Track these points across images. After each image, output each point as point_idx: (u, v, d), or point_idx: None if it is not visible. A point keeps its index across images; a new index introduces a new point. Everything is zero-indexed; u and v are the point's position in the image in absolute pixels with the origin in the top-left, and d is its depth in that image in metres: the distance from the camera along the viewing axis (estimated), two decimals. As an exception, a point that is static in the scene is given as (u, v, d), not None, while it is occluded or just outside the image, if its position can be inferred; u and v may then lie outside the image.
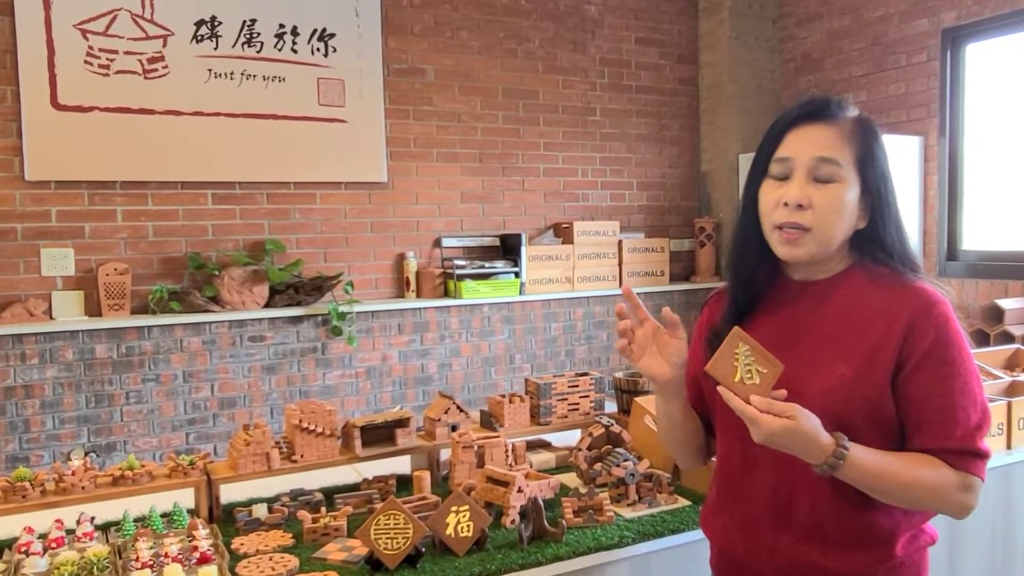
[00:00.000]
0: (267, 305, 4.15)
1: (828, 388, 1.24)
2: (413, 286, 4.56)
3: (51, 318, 3.82)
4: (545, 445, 2.42)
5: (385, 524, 1.58)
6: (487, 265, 4.65)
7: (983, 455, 1.23)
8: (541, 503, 1.75)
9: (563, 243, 4.90)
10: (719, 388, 1.21)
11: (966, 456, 1.22)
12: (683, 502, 1.93)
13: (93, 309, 3.90)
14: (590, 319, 5.02)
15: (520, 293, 4.71)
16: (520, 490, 1.82)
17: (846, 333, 1.27)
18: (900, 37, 4.63)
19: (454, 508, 1.67)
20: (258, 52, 4.23)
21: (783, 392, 1.17)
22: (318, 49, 4.36)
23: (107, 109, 3.95)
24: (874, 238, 1.30)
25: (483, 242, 4.82)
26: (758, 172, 1.33)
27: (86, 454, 3.81)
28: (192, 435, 4.01)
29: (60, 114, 3.86)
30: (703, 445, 1.49)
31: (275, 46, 4.27)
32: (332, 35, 4.38)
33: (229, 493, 1.95)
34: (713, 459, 1.50)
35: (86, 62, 3.90)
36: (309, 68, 4.35)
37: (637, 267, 5.09)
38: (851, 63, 4.92)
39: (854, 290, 1.30)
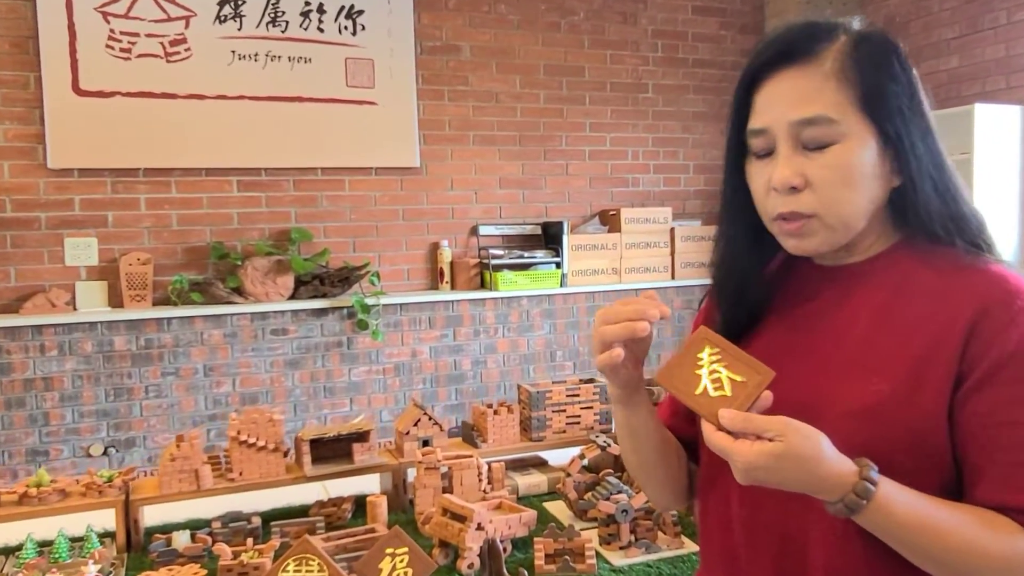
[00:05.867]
0: (292, 296, 3.98)
1: (857, 410, 0.88)
2: (447, 277, 4.31)
3: (75, 309, 3.74)
4: (542, 464, 2.13)
5: (296, 571, 1.33)
6: (526, 255, 4.36)
7: None
8: (500, 546, 1.47)
9: (609, 231, 4.57)
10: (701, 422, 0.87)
11: None
12: (691, 547, 1.61)
13: (117, 300, 3.80)
14: (639, 313, 4.67)
15: (561, 285, 4.40)
16: (480, 527, 1.54)
17: (885, 336, 0.91)
18: (999, -9, 4.09)
19: (389, 550, 1.41)
20: (283, 32, 4.04)
21: (769, 396, 0.83)
22: (346, 27, 4.14)
23: (129, 94, 3.83)
24: (909, 197, 0.93)
25: (523, 230, 4.53)
26: (735, 149, 1.00)
27: (105, 449, 3.72)
28: (213, 431, 3.87)
29: (82, 100, 3.75)
30: (681, 475, 1.11)
31: (301, 25, 4.07)
32: (360, 12, 4.15)
33: (163, 515, 1.74)
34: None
35: (107, 46, 3.78)
36: (336, 48, 4.13)
37: (691, 257, 4.70)
38: (941, 25, 4.37)
39: (899, 277, 0.94)
